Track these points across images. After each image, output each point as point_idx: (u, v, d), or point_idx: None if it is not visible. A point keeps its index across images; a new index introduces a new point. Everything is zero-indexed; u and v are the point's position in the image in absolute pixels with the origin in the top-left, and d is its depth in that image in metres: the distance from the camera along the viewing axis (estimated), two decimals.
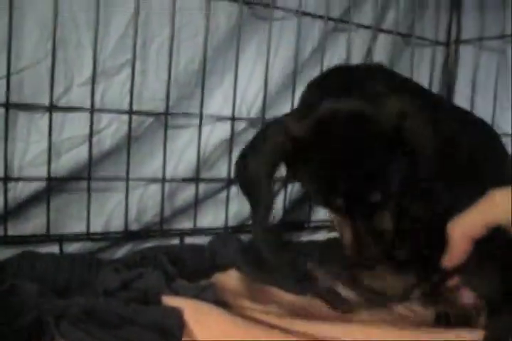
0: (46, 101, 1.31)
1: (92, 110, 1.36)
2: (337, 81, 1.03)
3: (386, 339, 0.90)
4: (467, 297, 0.97)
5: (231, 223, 1.64)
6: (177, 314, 0.94)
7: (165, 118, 1.47)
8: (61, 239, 1.40)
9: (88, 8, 1.32)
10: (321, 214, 1.74)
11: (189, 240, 1.58)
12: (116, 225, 1.48)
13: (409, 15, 1.87)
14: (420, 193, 0.91)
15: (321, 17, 1.66)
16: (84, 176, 1.39)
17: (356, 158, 0.86)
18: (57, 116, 1.33)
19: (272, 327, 0.94)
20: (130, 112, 1.41)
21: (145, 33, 1.42)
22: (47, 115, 1.31)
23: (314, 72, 1.67)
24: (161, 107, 1.46)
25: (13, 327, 0.88)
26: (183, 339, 0.90)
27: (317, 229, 1.78)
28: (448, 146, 0.90)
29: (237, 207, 1.66)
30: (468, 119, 1.15)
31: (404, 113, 0.87)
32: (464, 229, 0.77)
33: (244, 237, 1.56)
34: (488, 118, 1.78)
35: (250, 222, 1.61)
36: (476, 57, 1.88)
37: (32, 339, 0.88)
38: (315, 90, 1.06)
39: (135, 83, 1.40)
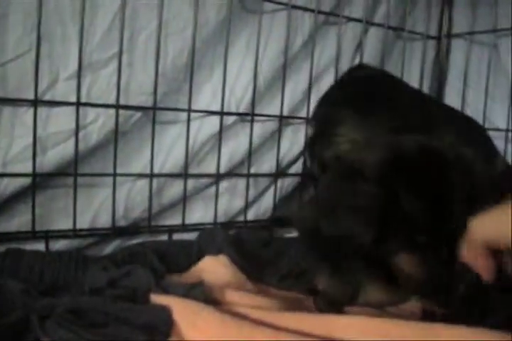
0: (31, 95, 1.28)
1: (78, 104, 1.34)
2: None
3: (380, 332, 0.88)
4: None
5: (220, 219, 1.63)
6: (166, 313, 0.92)
7: (153, 113, 1.45)
8: (47, 236, 1.38)
9: (73, 0, 1.29)
10: None
11: (178, 236, 1.56)
12: (104, 221, 1.45)
13: (401, 9, 1.87)
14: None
15: (311, 10, 1.65)
16: (70, 172, 1.37)
17: (438, 192, 0.89)
18: (42, 111, 1.31)
19: (263, 323, 0.92)
20: (117, 106, 1.39)
21: (132, 26, 1.39)
22: (32, 109, 1.29)
23: (304, 66, 1.67)
24: (148, 101, 1.44)
25: None
26: (171, 338, 0.88)
27: None
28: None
29: (227, 202, 1.65)
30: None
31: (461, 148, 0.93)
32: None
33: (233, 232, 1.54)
34: (479, 113, 1.79)
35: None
36: (467, 51, 1.87)
37: (17, 339, 0.85)
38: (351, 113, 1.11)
39: (122, 77, 1.38)
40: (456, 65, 1.96)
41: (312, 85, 1.69)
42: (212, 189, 1.61)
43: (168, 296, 0.98)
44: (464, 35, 1.92)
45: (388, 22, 1.81)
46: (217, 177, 1.60)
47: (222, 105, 1.55)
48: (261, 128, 1.65)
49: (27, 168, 1.31)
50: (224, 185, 1.63)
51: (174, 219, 1.57)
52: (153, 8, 1.40)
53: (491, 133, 1.77)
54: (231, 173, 1.64)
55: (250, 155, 1.63)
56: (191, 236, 1.53)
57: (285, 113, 1.67)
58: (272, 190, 1.71)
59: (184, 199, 1.55)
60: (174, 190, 1.55)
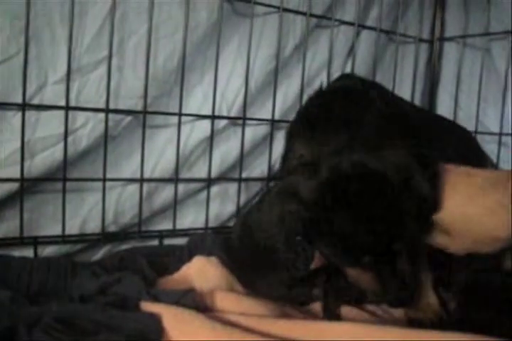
0: (19, 99, 1.26)
1: (67, 108, 1.32)
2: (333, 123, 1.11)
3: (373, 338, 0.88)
4: None
5: (212, 224, 1.61)
6: (156, 320, 0.91)
7: (143, 117, 1.43)
8: (35, 242, 1.36)
9: (63, 3, 1.28)
10: None
11: (169, 242, 1.55)
12: (93, 227, 1.44)
13: (393, 13, 1.86)
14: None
15: (303, 13, 1.64)
16: (59, 176, 1.35)
17: (376, 213, 0.91)
18: (30, 115, 1.29)
19: (255, 331, 0.92)
20: (107, 110, 1.37)
21: (122, 29, 1.38)
22: (20, 113, 1.27)
23: (296, 69, 1.66)
24: (138, 105, 1.43)
25: None
26: None
27: None
28: None
29: (218, 207, 1.63)
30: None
31: (408, 167, 0.95)
32: None
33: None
34: (472, 116, 1.79)
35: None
36: (460, 54, 1.87)
37: None
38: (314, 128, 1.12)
39: (112, 80, 1.37)
40: (448, 68, 1.96)
41: (304, 89, 1.68)
42: (204, 193, 1.60)
43: (159, 304, 0.97)
44: (456, 39, 1.92)
45: (380, 25, 1.80)
46: (209, 182, 1.59)
47: (214, 109, 1.54)
48: (252, 132, 1.64)
49: (15, 172, 1.29)
50: (215, 189, 1.62)
51: (165, 224, 1.56)
52: (143, 12, 1.38)
53: (483, 137, 1.78)
54: (222, 178, 1.62)
55: (242, 159, 1.62)
56: (182, 241, 1.51)
57: (277, 117, 1.66)
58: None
59: (175, 204, 1.54)
60: (165, 194, 1.54)
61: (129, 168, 1.47)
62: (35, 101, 1.30)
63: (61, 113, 1.32)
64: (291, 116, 1.65)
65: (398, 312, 1.09)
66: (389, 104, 1.23)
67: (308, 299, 1.14)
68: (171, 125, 1.50)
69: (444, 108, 1.97)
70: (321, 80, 1.61)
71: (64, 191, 1.36)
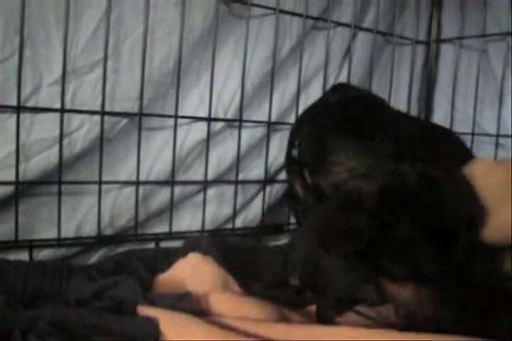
0: (14, 102, 1.26)
1: (63, 110, 1.31)
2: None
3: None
4: None
5: (208, 227, 1.61)
6: (153, 324, 0.91)
7: (139, 119, 1.43)
8: (31, 245, 1.35)
9: (58, 3, 1.27)
10: None
11: (165, 244, 1.54)
12: (89, 230, 1.43)
13: (390, 14, 1.86)
14: None
15: (299, 15, 1.63)
16: (54, 179, 1.34)
17: (439, 221, 0.90)
18: (25, 117, 1.29)
19: (251, 335, 0.92)
20: (102, 113, 1.36)
21: (118, 31, 1.37)
22: (14, 116, 1.26)
23: (292, 71, 1.65)
24: (134, 108, 1.42)
25: None
26: None
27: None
28: None
29: (214, 210, 1.63)
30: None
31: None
32: None
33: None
34: (468, 117, 1.79)
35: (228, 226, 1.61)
36: (456, 56, 1.87)
37: None
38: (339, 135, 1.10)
39: (107, 83, 1.36)
40: (445, 69, 1.96)
41: (300, 91, 1.68)
42: (200, 196, 1.59)
43: (155, 308, 0.97)
44: (453, 40, 1.91)
45: (377, 27, 1.80)
46: (205, 184, 1.58)
47: (210, 111, 1.53)
48: (249, 135, 1.63)
49: (10, 175, 1.28)
50: (212, 192, 1.61)
51: (161, 227, 1.55)
52: (139, 14, 1.38)
53: (480, 138, 1.78)
54: (219, 180, 1.62)
55: (238, 161, 1.61)
56: (178, 244, 1.50)
57: (273, 119, 1.65)
58: (260, 197, 1.69)
59: (171, 207, 1.53)
60: (161, 197, 1.53)
61: (125, 170, 1.46)
62: (30, 104, 1.29)
63: (56, 115, 1.31)
64: (288, 118, 1.66)
65: (393, 316, 1.08)
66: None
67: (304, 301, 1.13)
68: (167, 127, 1.50)
69: (440, 109, 1.97)
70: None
71: (59, 194, 1.35)
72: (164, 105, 1.49)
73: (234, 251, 1.41)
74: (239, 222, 1.67)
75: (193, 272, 1.17)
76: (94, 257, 1.46)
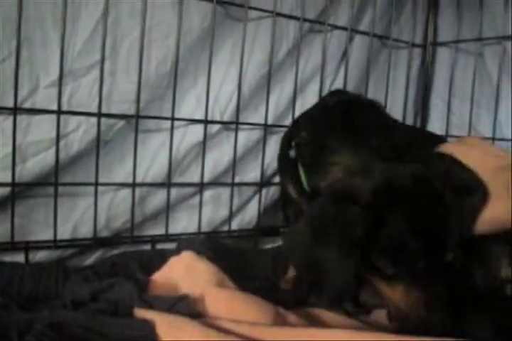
0: (10, 103, 1.25)
1: (59, 112, 1.31)
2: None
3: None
4: None
5: (204, 229, 1.61)
6: (149, 327, 0.90)
7: (136, 121, 1.42)
8: (27, 247, 1.35)
9: (55, 5, 1.27)
10: None
11: (161, 247, 1.54)
12: (85, 232, 1.43)
13: (386, 17, 1.86)
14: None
15: (296, 18, 1.63)
16: (51, 181, 1.34)
17: (431, 220, 0.91)
18: (22, 119, 1.28)
19: (248, 338, 0.91)
20: (99, 115, 1.36)
21: (115, 33, 1.37)
22: (11, 117, 1.26)
23: (289, 74, 1.65)
24: (131, 109, 1.42)
25: None
26: None
27: None
28: None
29: (211, 212, 1.63)
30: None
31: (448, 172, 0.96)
32: None
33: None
34: (465, 121, 1.79)
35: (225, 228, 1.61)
36: (452, 59, 1.87)
37: None
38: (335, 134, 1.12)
39: (104, 84, 1.36)
40: (441, 73, 1.97)
41: (297, 94, 1.68)
42: (196, 198, 1.59)
43: (152, 310, 0.96)
44: (449, 44, 1.92)
45: (374, 30, 1.80)
46: (201, 187, 1.58)
47: (206, 113, 1.53)
48: (245, 137, 1.63)
49: (6, 177, 1.28)
50: (208, 194, 1.61)
51: (157, 229, 1.55)
52: (136, 15, 1.38)
53: None
54: (215, 182, 1.62)
55: (235, 164, 1.61)
56: (175, 246, 1.50)
57: (270, 121, 1.65)
58: (256, 199, 1.69)
59: (167, 209, 1.53)
60: (157, 199, 1.53)
61: (122, 172, 1.46)
62: (27, 105, 1.29)
63: (53, 117, 1.31)
64: (284, 121, 1.66)
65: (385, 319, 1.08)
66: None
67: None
68: (164, 129, 1.49)
69: (436, 113, 1.98)
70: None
71: (56, 196, 1.35)
72: (161, 107, 1.48)
73: (226, 252, 1.41)
74: (235, 225, 1.67)
75: (187, 270, 1.16)
76: (90, 259, 1.46)
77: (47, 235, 1.37)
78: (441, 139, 1.21)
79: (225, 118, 1.59)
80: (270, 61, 1.60)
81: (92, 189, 1.40)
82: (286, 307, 1.09)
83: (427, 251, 0.89)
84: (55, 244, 1.38)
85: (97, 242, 1.44)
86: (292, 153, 1.22)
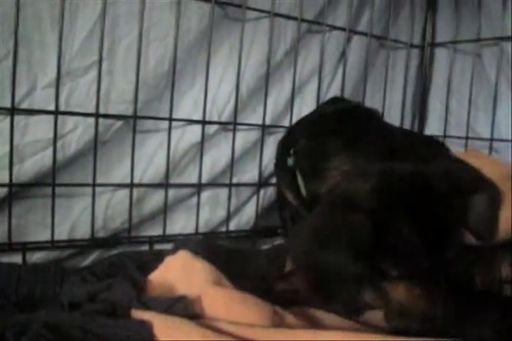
0: (8, 103, 1.25)
1: (57, 113, 1.31)
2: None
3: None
4: None
5: (202, 229, 1.60)
6: (147, 328, 0.90)
7: (133, 122, 1.42)
8: (24, 248, 1.34)
9: (53, 5, 1.26)
10: None
11: (159, 247, 1.53)
12: (83, 232, 1.42)
13: (384, 18, 1.86)
14: None
15: (294, 18, 1.63)
16: (48, 181, 1.34)
17: (433, 220, 0.90)
18: (19, 119, 1.28)
19: (242, 338, 0.91)
20: (97, 115, 1.36)
21: (112, 33, 1.37)
22: (8, 118, 1.26)
23: (287, 75, 1.65)
24: (129, 110, 1.42)
25: None
26: None
27: None
28: None
29: (208, 212, 1.62)
30: None
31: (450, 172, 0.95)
32: None
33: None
34: (462, 121, 1.79)
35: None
36: (450, 60, 1.87)
37: None
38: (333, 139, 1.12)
39: (102, 85, 1.36)
40: (439, 73, 1.97)
41: (295, 94, 1.68)
42: (194, 199, 1.59)
43: (150, 311, 0.96)
44: (447, 44, 1.92)
45: (372, 31, 1.80)
46: (199, 187, 1.58)
47: (204, 114, 1.53)
48: (243, 138, 1.63)
49: (3, 177, 1.27)
50: (205, 194, 1.61)
51: (155, 230, 1.54)
52: (134, 16, 1.37)
53: (474, 143, 1.78)
54: (213, 183, 1.61)
55: (232, 164, 1.61)
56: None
57: (268, 122, 1.65)
58: (254, 200, 1.69)
59: (165, 210, 1.52)
60: (155, 200, 1.53)
61: (119, 173, 1.46)
62: (25, 106, 1.28)
63: (50, 117, 1.31)
64: (282, 122, 1.66)
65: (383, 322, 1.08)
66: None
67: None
68: (162, 130, 1.49)
69: (434, 113, 1.97)
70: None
71: (53, 196, 1.34)
72: (159, 108, 1.48)
73: (222, 253, 1.41)
74: (233, 225, 1.67)
75: (184, 269, 1.16)
76: (88, 260, 1.46)
77: (44, 236, 1.36)
78: (440, 144, 1.21)
79: (223, 119, 1.59)
80: (268, 61, 1.60)
81: (89, 189, 1.40)
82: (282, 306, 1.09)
83: (430, 251, 0.89)
84: (52, 244, 1.37)
85: (94, 243, 1.44)
86: (291, 161, 1.22)
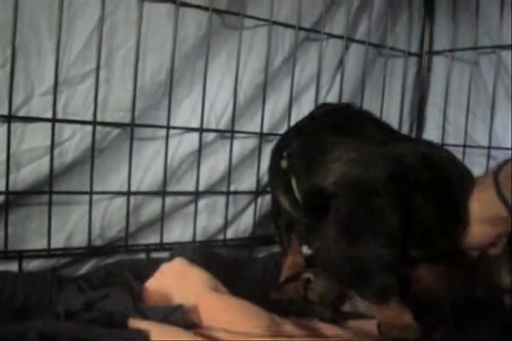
0: (5, 111, 1.25)
1: (54, 120, 1.31)
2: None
3: None
4: None
5: (199, 237, 1.60)
6: (143, 337, 0.90)
7: (131, 130, 1.42)
8: (20, 256, 1.34)
9: (50, 14, 1.27)
10: None
11: (156, 255, 1.53)
12: (79, 240, 1.42)
13: (382, 26, 1.86)
14: None
15: (292, 26, 1.63)
16: (45, 189, 1.33)
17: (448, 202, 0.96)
18: (16, 127, 1.28)
19: None
20: (94, 123, 1.36)
21: (110, 41, 1.37)
22: (5, 125, 1.26)
23: (285, 83, 1.65)
24: (126, 118, 1.41)
25: None
26: None
27: None
28: None
29: (206, 221, 1.62)
30: None
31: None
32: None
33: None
34: (460, 129, 1.79)
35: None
36: (448, 68, 1.88)
37: None
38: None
39: (99, 93, 1.36)
40: (437, 81, 1.97)
41: (293, 102, 1.68)
42: (191, 207, 1.58)
43: (147, 321, 0.95)
44: (445, 53, 1.92)
45: (369, 39, 1.80)
46: (196, 195, 1.57)
47: (202, 122, 1.53)
48: (241, 146, 1.63)
49: (0, 185, 1.27)
50: (203, 202, 1.61)
51: (152, 238, 1.54)
52: (131, 24, 1.38)
53: (472, 150, 1.78)
54: (210, 191, 1.61)
55: (230, 172, 1.61)
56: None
57: (265, 130, 1.65)
58: (251, 208, 1.69)
59: (162, 218, 1.52)
60: (152, 208, 1.52)
61: (116, 180, 1.45)
62: (22, 113, 1.28)
63: (47, 125, 1.30)
64: (280, 129, 1.66)
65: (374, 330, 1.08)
66: None
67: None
68: (159, 138, 1.49)
69: (432, 121, 1.98)
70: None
71: (50, 204, 1.34)
72: (156, 115, 1.48)
73: (218, 261, 1.41)
74: (230, 233, 1.67)
75: (179, 276, 1.16)
76: (84, 268, 1.45)
77: (41, 244, 1.36)
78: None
79: (221, 127, 1.58)
80: (266, 69, 1.60)
81: (86, 197, 1.39)
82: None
83: (447, 232, 0.93)
84: (48, 252, 1.36)
85: (91, 251, 1.43)
86: (284, 163, 1.22)
